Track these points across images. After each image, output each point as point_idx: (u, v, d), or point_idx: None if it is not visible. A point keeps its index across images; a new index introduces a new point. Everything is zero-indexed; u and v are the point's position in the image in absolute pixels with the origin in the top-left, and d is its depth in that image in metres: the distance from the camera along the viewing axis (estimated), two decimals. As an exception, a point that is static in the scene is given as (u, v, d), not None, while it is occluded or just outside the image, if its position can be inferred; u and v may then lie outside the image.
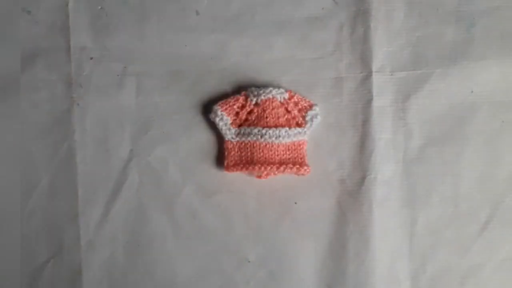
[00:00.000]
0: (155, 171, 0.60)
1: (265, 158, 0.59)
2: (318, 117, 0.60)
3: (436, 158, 0.61)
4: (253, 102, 0.60)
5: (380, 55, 0.61)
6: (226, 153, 0.60)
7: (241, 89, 0.61)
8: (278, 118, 0.60)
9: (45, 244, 0.60)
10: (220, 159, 0.60)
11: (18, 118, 0.56)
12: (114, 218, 0.60)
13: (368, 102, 0.61)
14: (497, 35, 0.61)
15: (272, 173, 0.59)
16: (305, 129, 0.60)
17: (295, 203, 0.61)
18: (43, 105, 0.60)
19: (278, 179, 0.61)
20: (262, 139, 0.59)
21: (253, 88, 0.60)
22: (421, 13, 0.61)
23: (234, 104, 0.60)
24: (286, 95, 0.60)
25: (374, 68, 0.61)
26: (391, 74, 0.61)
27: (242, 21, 0.61)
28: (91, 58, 0.61)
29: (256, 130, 0.59)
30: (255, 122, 0.60)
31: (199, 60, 0.61)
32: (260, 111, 0.60)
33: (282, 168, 0.58)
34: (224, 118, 0.59)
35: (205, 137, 0.61)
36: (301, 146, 0.60)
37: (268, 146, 0.59)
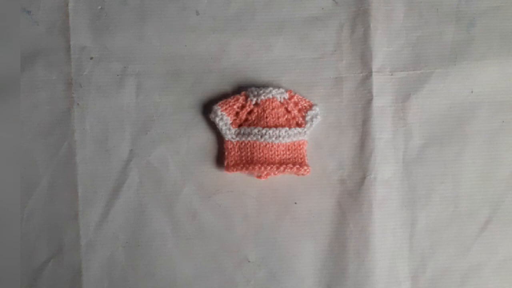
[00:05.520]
0: (155, 171, 0.60)
1: (265, 158, 0.59)
2: (318, 117, 0.60)
3: (436, 158, 0.61)
4: (253, 102, 0.60)
5: (380, 55, 0.61)
6: (226, 153, 0.60)
7: (241, 89, 0.61)
8: (278, 118, 0.60)
9: (45, 244, 0.60)
10: (220, 159, 0.61)
11: (18, 118, 0.56)
12: (114, 218, 0.60)
13: (368, 102, 0.61)
14: (497, 35, 0.61)
15: (272, 173, 0.59)
16: (305, 129, 0.60)
17: (295, 203, 0.61)
18: (43, 105, 0.60)
19: (278, 179, 0.61)
20: (262, 139, 0.59)
21: (253, 88, 0.60)
22: (421, 13, 0.61)
23: (234, 104, 0.60)
24: (286, 95, 0.60)
25: (374, 68, 0.61)
26: (391, 74, 0.61)
27: (242, 21, 0.61)
28: (91, 58, 0.61)
29: (256, 130, 0.59)
30: (255, 122, 0.60)
31: (199, 60, 0.61)
32: (260, 111, 0.60)
33: (282, 168, 0.58)
34: (224, 118, 0.59)
35: (205, 137, 0.61)
36: (301, 146, 0.60)
37: (268, 146, 0.59)
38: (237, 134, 0.60)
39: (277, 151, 0.59)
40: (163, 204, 0.60)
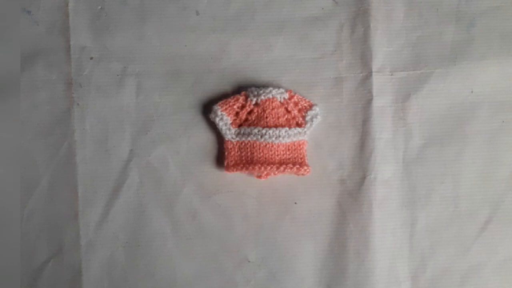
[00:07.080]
0: (155, 171, 0.60)
1: (265, 158, 0.59)
2: (318, 117, 0.60)
3: (436, 158, 0.61)
4: (253, 102, 0.60)
5: (380, 55, 0.61)
6: (226, 153, 0.60)
7: (241, 89, 0.61)
8: (278, 118, 0.60)
9: (45, 244, 0.60)
10: (220, 159, 0.61)
11: (18, 118, 0.56)
12: (114, 218, 0.60)
13: (368, 102, 0.61)
14: (497, 35, 0.61)
15: (272, 173, 0.59)
16: (305, 129, 0.60)
17: (295, 203, 0.61)
18: (43, 105, 0.60)
19: (278, 179, 0.61)
20: (262, 139, 0.59)
21: (253, 88, 0.60)
22: (421, 13, 0.61)
23: (234, 104, 0.60)
24: (286, 95, 0.60)
25: (374, 68, 0.61)
26: (391, 74, 0.61)
27: (242, 21, 0.61)
28: (91, 58, 0.61)
29: (256, 130, 0.59)
30: (255, 122, 0.60)
31: (199, 60, 0.61)
32: (260, 111, 0.60)
33: (282, 168, 0.58)
34: (224, 118, 0.59)
35: (205, 137, 0.61)
36: (301, 146, 0.60)
37: (268, 146, 0.59)
38: (237, 134, 0.60)
39: (277, 151, 0.59)
40: (163, 204, 0.60)
